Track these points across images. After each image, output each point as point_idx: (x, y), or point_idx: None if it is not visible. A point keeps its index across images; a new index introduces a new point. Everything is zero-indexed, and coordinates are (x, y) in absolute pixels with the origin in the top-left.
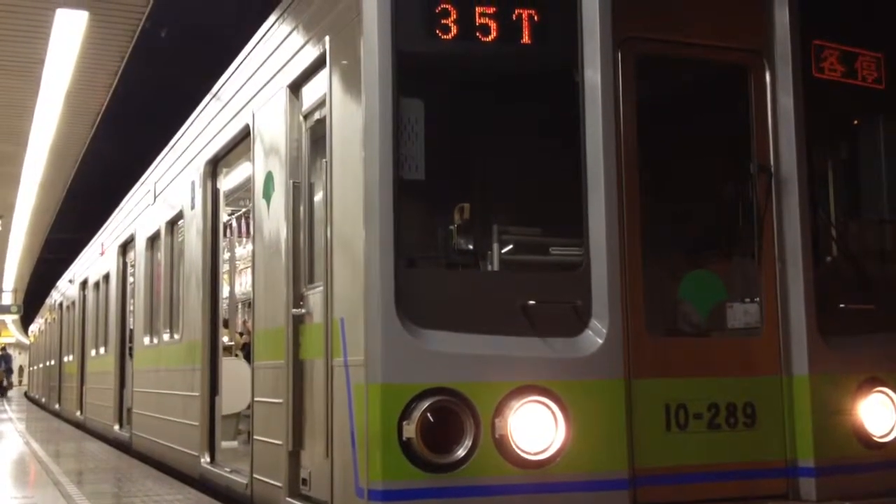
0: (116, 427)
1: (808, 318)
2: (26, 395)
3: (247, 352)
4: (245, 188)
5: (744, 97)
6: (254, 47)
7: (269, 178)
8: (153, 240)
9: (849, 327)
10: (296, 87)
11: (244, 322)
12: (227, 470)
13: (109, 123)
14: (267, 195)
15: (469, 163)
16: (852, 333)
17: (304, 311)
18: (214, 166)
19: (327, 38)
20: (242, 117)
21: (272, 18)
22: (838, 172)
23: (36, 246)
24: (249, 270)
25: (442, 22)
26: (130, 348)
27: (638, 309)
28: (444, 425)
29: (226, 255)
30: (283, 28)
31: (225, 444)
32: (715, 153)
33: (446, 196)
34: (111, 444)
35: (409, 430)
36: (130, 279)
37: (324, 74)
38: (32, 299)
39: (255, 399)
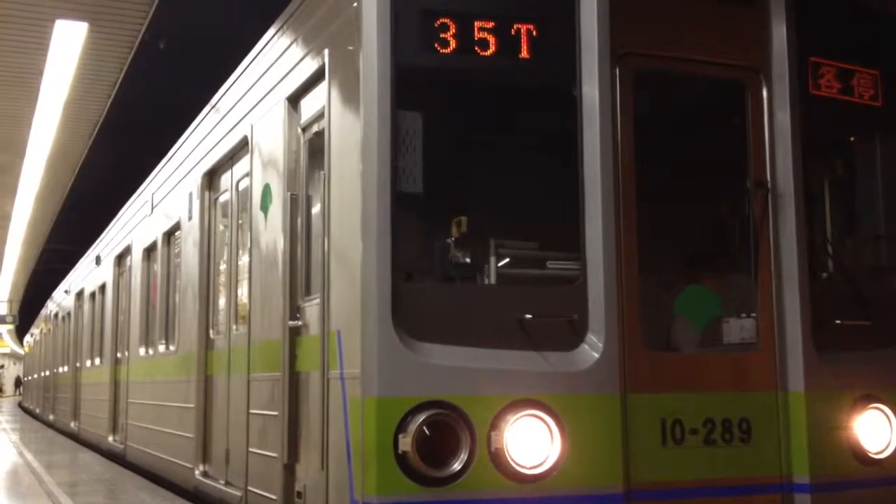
0: (110, 438)
1: (804, 335)
2: (20, 405)
3: None
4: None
5: (741, 113)
6: (253, 59)
7: (266, 189)
8: (150, 251)
9: (845, 343)
10: (294, 100)
11: None
12: (222, 482)
13: (107, 134)
14: (264, 207)
15: (467, 176)
16: (848, 349)
17: (300, 323)
18: (212, 177)
19: (326, 51)
20: (241, 129)
21: (271, 31)
22: (834, 189)
23: (32, 256)
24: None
25: (441, 36)
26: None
27: (634, 324)
28: (439, 439)
29: (222, 266)
30: (283, 40)
31: None
32: (712, 169)
33: (444, 209)
34: (105, 455)
35: (405, 443)
36: (126, 289)
37: (323, 87)
38: (28, 310)
39: (251, 411)
